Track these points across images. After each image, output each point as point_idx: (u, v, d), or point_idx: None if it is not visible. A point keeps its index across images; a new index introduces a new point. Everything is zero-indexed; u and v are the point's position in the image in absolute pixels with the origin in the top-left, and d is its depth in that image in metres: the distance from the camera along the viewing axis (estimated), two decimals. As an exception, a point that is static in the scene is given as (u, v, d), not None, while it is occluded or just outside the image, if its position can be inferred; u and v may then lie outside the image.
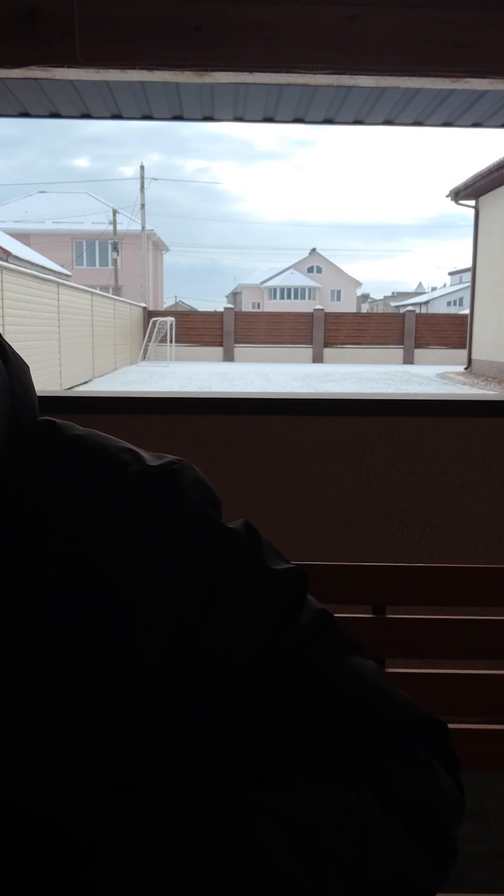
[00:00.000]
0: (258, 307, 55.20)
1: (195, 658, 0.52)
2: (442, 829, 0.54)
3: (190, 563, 0.53)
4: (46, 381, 15.25)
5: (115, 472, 0.55)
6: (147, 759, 0.52)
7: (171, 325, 27.26)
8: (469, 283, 23.56)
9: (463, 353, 22.88)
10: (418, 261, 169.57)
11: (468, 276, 26.34)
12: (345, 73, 2.19)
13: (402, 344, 28.38)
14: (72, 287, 18.37)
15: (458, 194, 20.51)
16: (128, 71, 2.17)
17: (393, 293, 72.34)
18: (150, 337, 27.37)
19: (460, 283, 48.54)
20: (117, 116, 3.12)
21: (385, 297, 70.28)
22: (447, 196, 20.90)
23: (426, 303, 53.53)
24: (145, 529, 0.53)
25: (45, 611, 0.50)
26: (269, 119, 3.14)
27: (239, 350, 28.15)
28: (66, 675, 0.49)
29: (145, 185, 39.03)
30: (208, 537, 0.55)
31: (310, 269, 59.23)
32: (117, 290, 31.34)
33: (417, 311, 37.81)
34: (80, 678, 0.50)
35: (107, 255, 39.28)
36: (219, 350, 28.15)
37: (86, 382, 18.56)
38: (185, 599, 0.52)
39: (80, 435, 0.57)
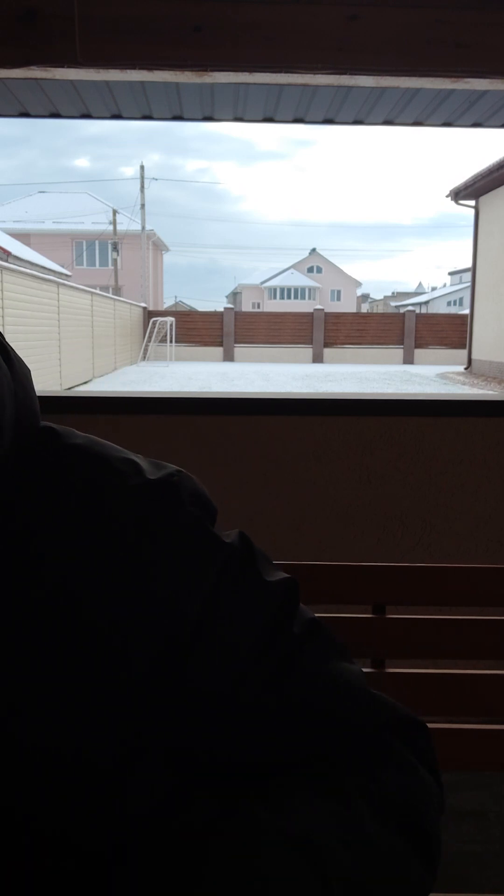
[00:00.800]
0: (258, 307, 55.20)
1: (189, 670, 0.53)
2: (427, 827, 0.55)
3: (185, 578, 0.53)
4: (46, 381, 15.24)
5: (113, 484, 0.55)
6: (141, 774, 0.52)
7: (171, 325, 27.26)
8: (469, 283, 23.55)
9: (463, 353, 22.88)
10: (418, 261, 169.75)
11: (468, 276, 26.34)
12: (345, 73, 2.19)
13: (402, 344, 28.37)
14: (72, 287, 18.36)
15: (458, 194, 20.52)
16: (128, 71, 2.17)
17: (393, 293, 72.35)
18: (150, 337, 27.37)
19: (460, 283, 48.53)
20: (117, 116, 3.12)
21: (385, 297, 70.28)
22: (447, 196, 20.91)
23: (426, 303, 53.52)
24: (142, 544, 0.53)
25: (39, 623, 0.50)
26: (269, 119, 3.14)
27: (239, 350, 28.15)
28: (58, 688, 0.50)
29: (145, 185, 39.06)
30: (203, 553, 0.55)
31: (310, 269, 59.23)
32: (117, 290, 31.34)
33: (417, 311, 37.80)
34: (73, 690, 0.50)
35: (107, 255, 39.29)
36: (219, 350, 28.15)
37: (86, 382, 18.56)
38: (180, 614, 0.52)
39: (79, 444, 0.57)
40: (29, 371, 0.58)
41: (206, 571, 0.54)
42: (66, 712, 0.49)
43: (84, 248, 41.29)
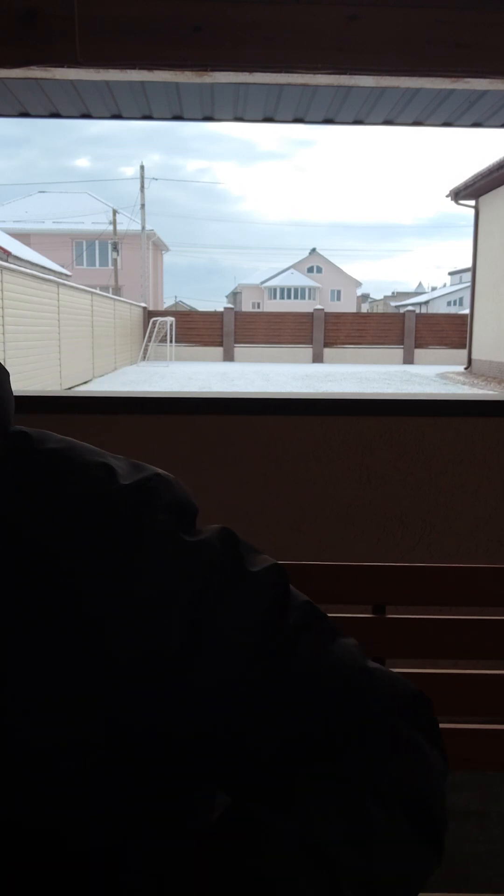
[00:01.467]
0: (258, 307, 55.21)
1: (187, 671, 0.52)
2: (434, 810, 0.55)
3: (159, 585, 0.53)
4: (46, 381, 15.25)
5: (86, 491, 0.54)
6: (139, 773, 0.52)
7: (171, 325, 27.26)
8: (469, 283, 23.55)
9: (463, 353, 22.89)
10: (418, 261, 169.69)
11: (468, 276, 26.34)
12: (345, 73, 2.19)
13: (402, 344, 28.38)
14: (72, 287, 18.36)
15: (458, 194, 20.52)
16: (128, 71, 2.17)
17: (393, 293, 72.35)
18: (150, 337, 27.38)
19: (460, 283, 48.53)
20: (117, 116, 3.12)
21: (385, 297, 70.29)
22: (447, 196, 20.91)
23: (426, 303, 53.52)
24: (113, 554, 0.52)
25: (13, 628, 0.50)
26: (269, 119, 3.14)
27: (239, 350, 28.15)
28: (34, 691, 0.50)
29: (145, 185, 39.06)
30: (178, 562, 0.54)
31: (310, 269, 59.24)
32: (117, 290, 31.34)
33: (417, 311, 37.80)
34: (47, 694, 0.50)
35: (107, 255, 39.29)
36: (219, 350, 28.15)
37: (86, 382, 18.56)
38: (161, 618, 0.52)
39: (53, 448, 0.56)
40: (7, 374, 0.57)
41: (182, 580, 0.53)
42: (54, 707, 0.50)
43: (84, 248, 41.30)
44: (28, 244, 30.67)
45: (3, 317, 12.67)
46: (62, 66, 2.13)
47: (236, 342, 28.32)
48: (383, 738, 0.57)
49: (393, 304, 59.41)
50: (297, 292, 57.13)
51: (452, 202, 20.94)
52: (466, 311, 25.01)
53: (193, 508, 0.58)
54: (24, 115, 3.06)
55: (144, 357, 27.13)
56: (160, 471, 0.58)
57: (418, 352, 28.22)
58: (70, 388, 15.54)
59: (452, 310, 46.19)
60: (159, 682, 0.52)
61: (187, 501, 0.58)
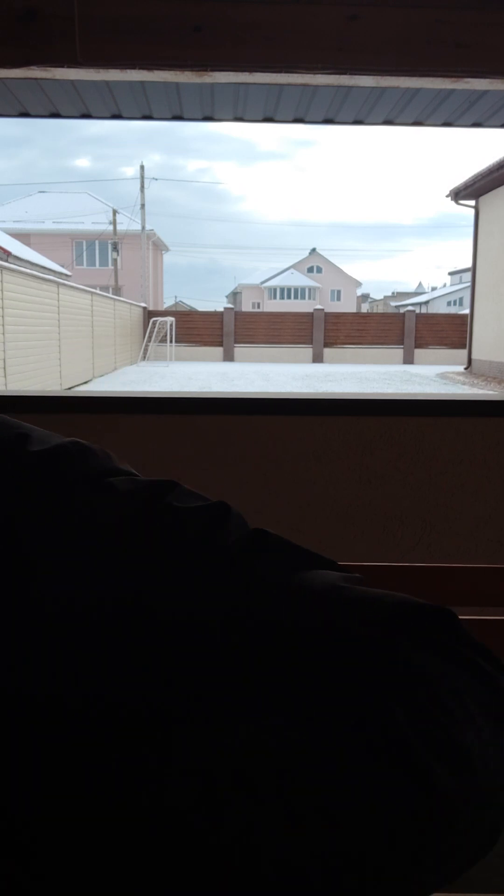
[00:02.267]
0: (258, 307, 55.21)
1: (142, 627, 0.51)
2: (448, 748, 0.45)
3: (79, 555, 0.53)
4: (46, 381, 15.25)
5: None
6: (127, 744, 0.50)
7: (171, 325, 27.26)
8: (469, 283, 23.56)
9: (463, 353, 22.89)
10: (418, 261, 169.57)
11: (468, 276, 26.34)
12: (345, 73, 2.19)
13: (402, 344, 28.37)
14: (72, 287, 18.36)
15: (458, 194, 20.52)
16: (128, 71, 2.17)
17: (393, 293, 72.36)
18: (150, 337, 27.37)
19: (460, 283, 48.54)
20: (117, 116, 3.12)
21: (385, 297, 70.29)
22: (447, 196, 20.92)
23: (426, 303, 53.53)
24: (26, 524, 0.53)
25: None
26: (269, 119, 3.14)
27: (239, 350, 28.15)
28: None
29: (145, 185, 39.07)
30: (86, 526, 0.54)
31: (310, 269, 59.24)
32: (117, 290, 31.34)
33: (417, 311, 37.80)
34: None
35: (107, 255, 39.30)
36: (219, 350, 28.15)
37: (86, 382, 18.56)
38: (90, 582, 0.51)
39: None
40: None
41: (95, 543, 0.53)
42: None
43: (84, 248, 41.29)
44: (28, 244, 30.66)
45: (3, 317, 12.66)
46: (62, 66, 2.12)
47: (236, 342, 28.31)
48: (377, 671, 0.47)
49: (393, 304, 59.41)
50: (297, 292, 57.12)
51: (452, 202, 20.94)
52: (466, 311, 25.01)
53: (113, 469, 0.59)
54: (24, 115, 3.06)
55: (144, 357, 27.12)
56: (83, 441, 0.59)
57: (418, 352, 28.21)
58: (70, 388, 15.54)
59: (452, 310, 46.19)
60: (117, 643, 0.50)
61: (112, 468, 0.58)
